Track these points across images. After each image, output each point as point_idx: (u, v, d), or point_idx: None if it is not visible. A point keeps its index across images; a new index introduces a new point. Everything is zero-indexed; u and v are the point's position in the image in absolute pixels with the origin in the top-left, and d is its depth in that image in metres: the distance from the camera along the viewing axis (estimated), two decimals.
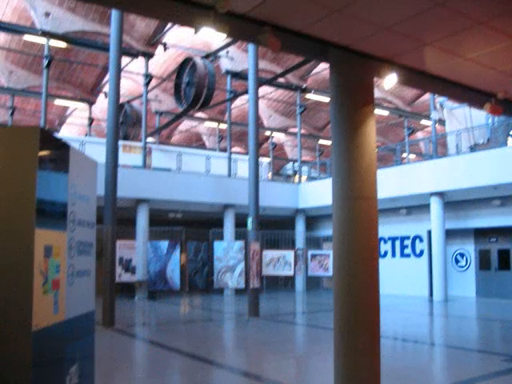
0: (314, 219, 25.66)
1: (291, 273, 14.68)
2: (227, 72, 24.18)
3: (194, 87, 19.26)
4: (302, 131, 30.77)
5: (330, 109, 5.80)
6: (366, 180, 5.44)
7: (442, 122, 23.14)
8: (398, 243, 22.44)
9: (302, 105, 26.39)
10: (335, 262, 5.52)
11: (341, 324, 5.39)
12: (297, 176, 28.81)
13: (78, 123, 30.78)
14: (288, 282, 25.55)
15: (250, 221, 14.73)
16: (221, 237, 19.07)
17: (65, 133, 31.46)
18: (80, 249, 3.93)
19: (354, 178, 5.42)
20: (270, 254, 14.75)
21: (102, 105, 26.99)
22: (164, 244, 12.75)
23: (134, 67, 25.39)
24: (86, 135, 27.08)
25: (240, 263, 13.59)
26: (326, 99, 26.33)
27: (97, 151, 14.97)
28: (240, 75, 24.21)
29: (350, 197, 5.41)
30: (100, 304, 11.95)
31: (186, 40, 24.83)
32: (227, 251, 13.62)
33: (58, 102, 26.37)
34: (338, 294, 5.44)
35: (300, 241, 22.27)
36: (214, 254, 13.53)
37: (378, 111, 26.72)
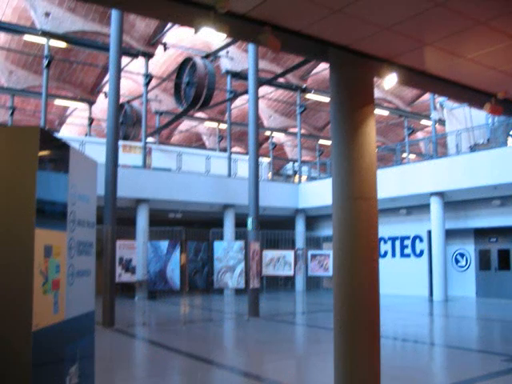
0: (314, 219, 25.66)
1: (291, 273, 14.68)
2: (227, 72, 24.18)
3: (194, 87, 19.26)
4: (302, 131, 30.75)
5: (329, 109, 5.80)
6: (366, 180, 5.43)
7: (442, 121, 23.14)
8: (397, 243, 22.44)
9: (302, 105, 26.41)
10: (335, 262, 5.51)
11: (341, 324, 5.39)
12: (297, 176, 28.80)
13: (78, 123, 30.78)
14: (288, 282, 25.54)
15: (250, 221, 14.73)
16: (221, 237, 19.07)
17: (65, 133, 31.45)
18: (80, 249, 3.93)
19: (354, 178, 5.41)
20: (270, 254, 14.74)
21: (102, 105, 26.98)
22: (164, 244, 12.73)
23: (133, 67, 25.38)
24: (86, 135, 27.08)
25: (240, 263, 13.58)
26: (325, 99, 26.33)
27: (97, 151, 14.96)
28: (240, 75, 24.21)
29: (350, 197, 5.40)
30: (100, 304, 11.94)
31: (185, 40, 24.83)
32: (227, 251, 13.61)
33: (58, 102, 26.38)
34: (337, 294, 5.44)
35: (300, 241, 22.26)
36: (214, 254, 13.51)
37: (378, 111, 26.73)
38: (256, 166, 15.16)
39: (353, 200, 5.38)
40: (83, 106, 27.07)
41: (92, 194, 4.24)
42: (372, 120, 5.60)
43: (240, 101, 28.58)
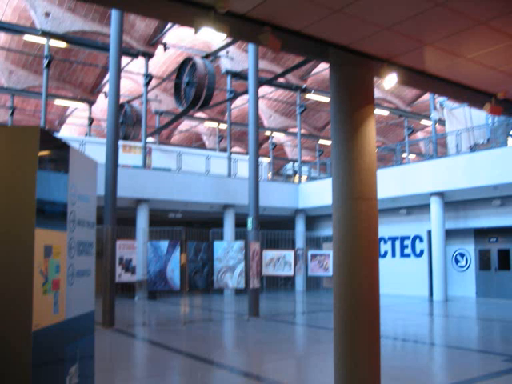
0: (314, 219, 25.67)
1: (291, 273, 14.68)
2: (227, 72, 24.18)
3: (194, 87, 19.28)
4: (302, 131, 30.75)
5: (330, 109, 5.80)
6: (366, 180, 5.44)
7: (442, 122, 23.13)
8: (397, 243, 22.44)
9: (302, 105, 26.41)
10: (335, 262, 5.52)
11: (341, 324, 5.39)
12: (297, 176, 28.82)
13: (78, 123, 30.79)
14: (288, 282, 25.55)
15: (250, 221, 14.74)
16: (221, 237, 19.08)
17: (65, 133, 31.45)
18: (80, 249, 3.93)
19: (353, 178, 5.41)
20: (270, 254, 14.74)
21: (102, 105, 27.00)
22: (164, 244, 12.72)
23: (134, 67, 25.39)
24: (86, 135, 27.08)
25: (240, 263, 13.59)
26: (326, 99, 26.34)
27: (97, 151, 14.99)
28: (240, 75, 24.22)
29: (350, 197, 5.41)
30: (100, 304, 11.94)
31: (186, 40, 24.84)
32: (227, 251, 13.61)
33: (58, 101, 26.39)
34: (338, 295, 5.44)
35: (300, 241, 22.26)
36: (214, 254, 13.50)
37: (378, 111, 26.73)
38: (256, 166, 15.17)
39: (353, 200, 5.39)
40: (83, 106, 27.08)
41: (92, 194, 4.24)
42: (372, 120, 5.60)
43: (240, 101, 28.59)
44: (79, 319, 3.85)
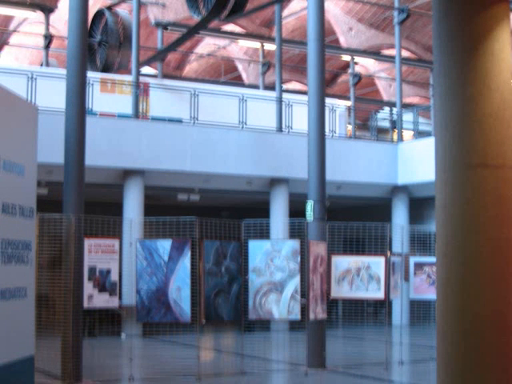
0: (423, 204, 25.38)
1: (380, 294, 14.61)
2: None
3: None
4: (405, 54, 30.29)
5: (432, 12, 5.71)
6: (495, 135, 5.37)
7: None
8: None
9: (404, 9, 25.91)
10: (439, 273, 5.61)
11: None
12: (395, 131, 28.57)
13: (29, 44, 31.24)
14: (377, 311, 25.42)
15: (309, 206, 14.68)
16: (261, 233, 19.03)
17: (6, 59, 32.02)
18: (7, 252, 3.82)
19: (471, 131, 5.37)
20: (344, 263, 14.75)
21: (66, 14, 27.21)
22: (165, 245, 12.82)
23: None
24: (42, 65, 27.45)
25: (293, 278, 13.61)
26: None
27: (57, 90, 15.18)
28: None
29: (466, 164, 5.40)
30: (57, 346, 12.14)
31: None
32: (271, 257, 13.65)
33: None
34: (442, 331, 5.50)
35: (398, 240, 22.04)
36: (250, 261, 13.58)
37: None
38: (321, 113, 15.12)
39: (470, 169, 5.38)
40: (36, 15, 27.35)
41: (30, 162, 4.19)
42: (506, 26, 5.51)
43: (299, 3, 28.45)
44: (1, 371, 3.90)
